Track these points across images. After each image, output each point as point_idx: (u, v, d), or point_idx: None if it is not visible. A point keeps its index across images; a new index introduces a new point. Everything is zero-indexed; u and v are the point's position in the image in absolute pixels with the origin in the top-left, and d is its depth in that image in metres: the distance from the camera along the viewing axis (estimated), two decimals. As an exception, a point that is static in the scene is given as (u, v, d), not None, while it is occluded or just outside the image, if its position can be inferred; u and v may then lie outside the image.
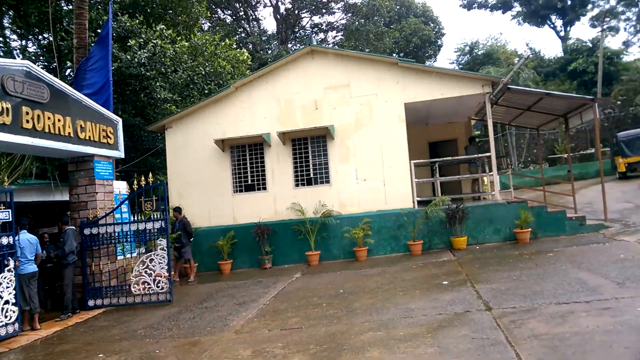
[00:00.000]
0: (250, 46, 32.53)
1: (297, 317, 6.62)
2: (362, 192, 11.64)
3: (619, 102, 31.56)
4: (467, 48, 43.68)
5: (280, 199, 11.99)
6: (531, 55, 36.81)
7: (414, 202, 11.45)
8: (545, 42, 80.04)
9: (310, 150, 12.00)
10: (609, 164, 22.63)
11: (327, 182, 11.87)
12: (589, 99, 10.84)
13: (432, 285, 7.60)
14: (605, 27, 36.27)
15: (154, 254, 8.80)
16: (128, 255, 9.48)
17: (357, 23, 33.26)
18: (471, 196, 13.57)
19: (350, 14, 34.59)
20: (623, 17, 41.47)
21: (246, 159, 12.35)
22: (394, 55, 33.07)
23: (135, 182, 9.36)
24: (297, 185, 12.04)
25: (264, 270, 11.38)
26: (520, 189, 17.78)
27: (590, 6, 40.59)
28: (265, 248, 11.58)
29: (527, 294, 6.24)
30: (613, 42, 50.98)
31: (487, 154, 11.61)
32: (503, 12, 44.45)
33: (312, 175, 12.00)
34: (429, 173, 14.30)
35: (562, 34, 41.75)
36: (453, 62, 44.70)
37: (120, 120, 10.23)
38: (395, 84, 11.62)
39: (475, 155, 12.56)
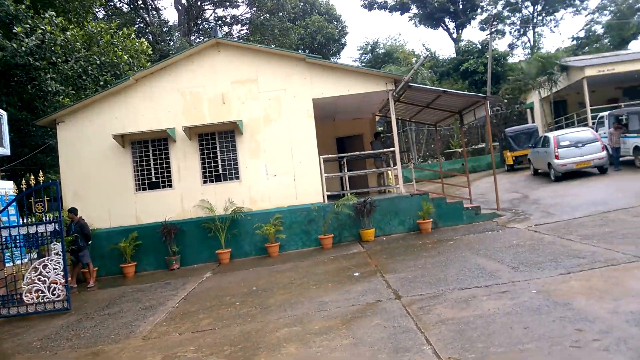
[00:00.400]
0: (150, 37, 30.97)
1: (209, 318, 6.41)
2: (272, 187, 11.57)
3: (505, 101, 34.45)
4: (369, 47, 45.28)
5: (188, 196, 11.56)
6: (429, 55, 38.98)
7: (324, 196, 11.61)
8: (440, 44, 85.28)
9: (218, 146, 11.69)
10: (498, 158, 24.64)
11: (237, 178, 11.65)
12: (481, 96, 11.69)
13: (343, 277, 7.74)
14: (493, 30, 39.36)
15: (47, 260, 8.04)
16: (18, 262, 8.60)
17: (262, 17, 33.02)
18: (377, 189, 14.07)
19: (254, 8, 34.23)
20: (508, 21, 45.40)
21: (149, 155, 11.74)
22: (300, 51, 33.30)
23: (24, 181, 8.48)
24: (205, 182, 11.67)
25: (172, 271, 10.91)
26: (421, 182, 18.76)
27: (479, 10, 43.82)
28: (172, 248, 11.10)
29: (433, 281, 6.58)
30: (500, 45, 55.44)
31: (392, 148, 12.09)
32: (401, 14, 46.50)
33: (220, 172, 11.70)
34: (337, 168, 14.60)
35: (454, 35, 44.59)
36: (356, 60, 46.12)
37: (4, 113, 9.23)
38: (303, 79, 11.67)
39: (381, 150, 13.01)
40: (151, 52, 19.34)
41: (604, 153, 15.32)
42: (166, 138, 11.60)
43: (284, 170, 11.57)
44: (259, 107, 11.67)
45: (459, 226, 11.15)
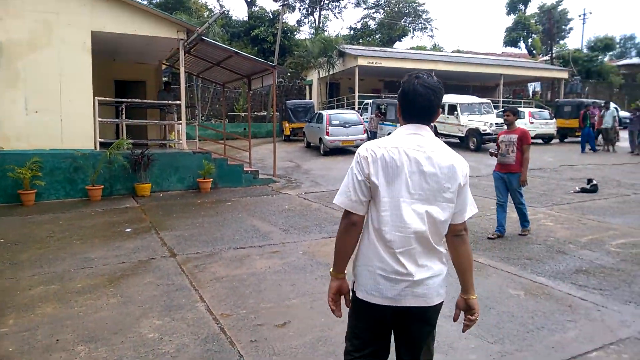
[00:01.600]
0: None
1: None
2: (32, 125, 9.91)
3: (288, 74, 36.29)
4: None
5: None
6: (225, 12, 38.20)
7: (95, 143, 10.49)
8: (234, 3, 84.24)
9: (-42, 66, 9.41)
10: (278, 127, 25.99)
11: (-17, 109, 9.62)
12: (271, 65, 12.10)
13: (114, 233, 7.20)
14: (285, 3, 40.72)
15: None
16: None
17: None
18: (158, 143, 13.37)
19: None
20: (299, -2, 47.47)
21: None
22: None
23: None
24: None
25: None
26: (204, 141, 18.54)
27: (276, -20, 44.66)
28: None
29: (209, 240, 6.65)
30: (290, 19, 57.90)
31: (177, 102, 11.58)
32: (200, -38, 44.28)
33: (-40, 99, 9.48)
34: (113, 113, 13.32)
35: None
36: (144, 0, 42.25)
37: None
38: (82, 6, 10.17)
39: (166, 102, 12.35)
40: None
41: (365, 135, 17.57)
42: None
43: (49, 108, 10.00)
44: (23, 28, 9.76)
45: (238, 188, 11.45)
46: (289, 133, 23.46)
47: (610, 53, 53.09)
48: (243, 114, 28.68)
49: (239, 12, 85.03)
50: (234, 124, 28.18)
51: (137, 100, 11.86)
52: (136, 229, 7.38)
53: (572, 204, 9.06)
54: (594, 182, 10.44)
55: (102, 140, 10.80)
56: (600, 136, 18.36)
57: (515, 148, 6.61)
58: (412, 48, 44.21)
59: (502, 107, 26.14)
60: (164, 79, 23.26)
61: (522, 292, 4.63)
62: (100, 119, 10.66)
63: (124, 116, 11.25)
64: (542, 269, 5.36)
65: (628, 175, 12.49)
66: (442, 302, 2.09)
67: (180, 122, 11.34)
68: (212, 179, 11.15)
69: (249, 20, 40.20)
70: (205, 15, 35.63)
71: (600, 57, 45.91)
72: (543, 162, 15.16)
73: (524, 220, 6.95)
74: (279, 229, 7.30)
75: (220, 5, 43.35)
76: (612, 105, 19.37)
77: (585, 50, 47.24)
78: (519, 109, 24.34)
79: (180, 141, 11.43)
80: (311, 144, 19.62)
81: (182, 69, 11.28)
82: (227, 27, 38.92)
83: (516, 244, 6.39)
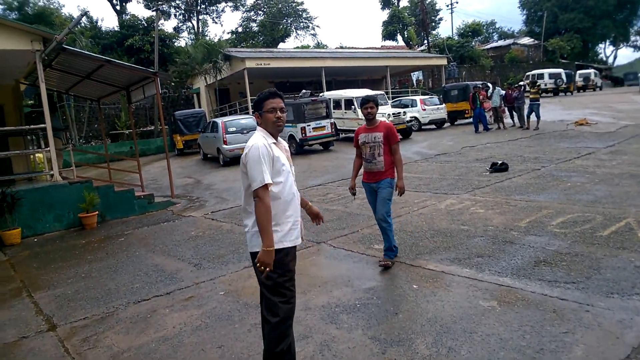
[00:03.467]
0: None
1: None
2: None
3: (173, 84, 34.03)
4: (16, 3, 37.35)
5: None
6: (88, 12, 34.80)
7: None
8: (103, 13, 78.36)
9: None
10: (169, 141, 24.01)
11: None
12: (151, 72, 10.61)
13: (-32, 305, 5.48)
14: (159, 9, 38.21)
15: None
16: None
17: None
18: (25, 177, 11.24)
19: None
20: (174, 3, 45.08)
21: None
22: None
23: None
24: None
25: None
26: (83, 167, 16.30)
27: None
28: None
29: (101, 295, 5.25)
30: (167, 26, 54.81)
31: (41, 125, 9.69)
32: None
33: None
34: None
35: (118, 8, 41.45)
36: (-7, 16, 37.27)
37: None
38: None
39: (23, 127, 10.33)
40: None
41: (266, 139, 16.56)
42: None
43: None
44: None
45: (131, 218, 9.88)
46: (182, 146, 21.68)
47: (478, 38, 57.26)
48: (127, 131, 26.16)
49: (109, 22, 79.17)
50: (117, 143, 25.62)
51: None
52: (2, 294, 5.71)
53: (491, 185, 8.85)
54: (501, 162, 10.47)
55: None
56: (488, 115, 19.10)
57: (382, 150, 5.11)
58: (297, 48, 43.95)
59: (392, 99, 26.60)
60: (29, 101, 20.35)
61: (495, 303, 3.96)
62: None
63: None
64: (500, 266, 4.78)
65: (527, 149, 12.83)
66: (255, 252, 2.80)
67: (49, 148, 9.47)
68: (97, 212, 9.46)
69: (121, 30, 37.13)
70: (79, 32, 32.14)
71: (470, 43, 49.20)
72: (444, 147, 15.28)
73: (388, 247, 5.21)
74: (188, 264, 6.07)
75: (85, 14, 39.50)
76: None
77: (456, 38, 50.33)
78: (408, 97, 24.99)
79: (51, 172, 9.54)
80: (208, 156, 18.18)
81: (42, 86, 9.39)
82: (96, 38, 35.60)
83: (457, 240, 5.81)
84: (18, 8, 37.04)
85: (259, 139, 2.82)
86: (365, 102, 5.16)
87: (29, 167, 12.35)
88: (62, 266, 6.69)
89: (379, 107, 19.02)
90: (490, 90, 18.96)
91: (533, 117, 17.19)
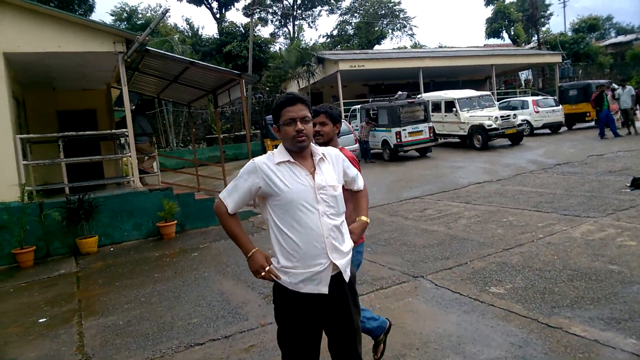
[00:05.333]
0: None
1: None
2: None
3: (267, 88, 34.21)
4: (125, 14, 39.96)
5: None
6: (170, 10, 35.95)
7: (23, 192, 8.23)
8: (203, 21, 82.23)
9: None
10: (259, 146, 23.80)
11: None
12: (236, 73, 9.91)
13: (23, 327, 4.93)
14: (256, 16, 38.83)
15: None
16: None
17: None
18: (114, 182, 11.14)
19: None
20: (271, 10, 45.75)
21: None
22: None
23: None
24: None
25: None
26: (179, 172, 16.31)
27: (244, -6, 42.93)
28: None
29: (152, 331, 4.42)
30: (264, 32, 56.04)
31: (123, 130, 9.37)
32: (164, -16, 42.48)
33: None
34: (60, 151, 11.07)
35: (218, 16, 42.79)
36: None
37: None
38: (-15, 22, 8.00)
39: (104, 132, 10.12)
40: None
41: (357, 145, 15.46)
42: None
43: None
44: None
45: (211, 228, 9.23)
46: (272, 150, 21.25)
47: (594, 34, 51.70)
48: (222, 135, 26.43)
49: (209, 30, 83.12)
50: (212, 147, 25.95)
51: (71, 133, 9.38)
52: (54, 317, 5.12)
53: (637, 207, 6.94)
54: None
55: (39, 187, 8.62)
56: (616, 118, 16.37)
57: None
58: (394, 49, 42.44)
59: (498, 100, 24.22)
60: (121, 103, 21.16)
61: None
62: (27, 162, 8.45)
63: (62, 154, 9.00)
64: (692, 342, 3.21)
65: (675, 160, 10.45)
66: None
67: (130, 153, 9.10)
68: (176, 221, 8.92)
69: (220, 37, 38.17)
70: (176, 38, 33.52)
71: (586, 39, 44.42)
72: (565, 155, 13.11)
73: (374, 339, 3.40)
74: (258, 295, 5.09)
75: (189, 25, 41.23)
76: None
77: (569, 34, 45.72)
78: (518, 98, 22.47)
79: (132, 178, 9.17)
80: (298, 161, 17.46)
81: (124, 89, 9.05)
82: (197, 46, 36.88)
83: (608, 287, 4.23)
84: (127, 18, 39.46)
85: (263, 156, 2.35)
86: (315, 114, 3.03)
87: (119, 172, 12.32)
88: (126, 284, 6.05)
89: (486, 109, 17.20)
90: (618, 90, 16.24)
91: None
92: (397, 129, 15.19)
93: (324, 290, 2.24)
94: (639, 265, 4.67)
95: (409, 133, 15.30)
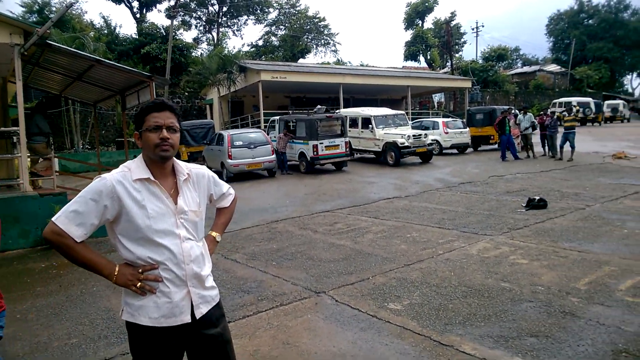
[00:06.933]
0: None
1: None
2: None
3: (186, 94, 33.23)
4: (37, 6, 37.12)
5: None
6: (75, 3, 33.88)
7: None
8: (122, 20, 78.72)
9: None
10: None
11: None
12: (146, 75, 9.44)
13: None
14: (179, 19, 37.75)
15: None
16: None
17: None
18: (4, 184, 10.10)
19: None
20: (195, 15, 44.70)
21: None
22: None
23: None
24: None
25: None
26: (81, 177, 15.20)
27: (166, -4, 41.63)
28: None
29: (23, 353, 3.96)
30: (187, 36, 54.52)
31: (14, 128, 8.55)
32: (79, -24, 40.00)
33: None
34: None
35: (138, 15, 41.12)
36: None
37: None
38: None
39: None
40: None
41: (274, 156, 15.35)
42: None
43: None
44: None
45: (107, 237, 8.57)
46: (187, 158, 20.44)
47: (502, 64, 55.86)
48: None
49: (128, 29, 79.61)
50: (122, 151, 24.58)
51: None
52: None
53: (530, 226, 7.42)
54: (538, 197, 9.06)
55: None
56: (517, 142, 17.64)
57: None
58: (317, 64, 43.04)
59: (412, 119, 25.26)
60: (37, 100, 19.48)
61: None
62: None
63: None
64: (564, 356, 3.38)
65: (564, 183, 11.37)
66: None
67: (20, 154, 8.29)
68: (69, 230, 8.21)
69: (139, 37, 36.62)
70: (91, 35, 31.54)
71: (494, 67, 47.87)
72: (469, 175, 13.85)
73: None
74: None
75: (106, 22, 39.06)
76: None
77: (480, 62, 49.05)
78: (429, 119, 23.57)
79: (21, 181, 8.35)
80: (212, 170, 16.90)
81: (18, 84, 8.26)
82: (113, 44, 35.06)
83: (499, 304, 4.41)
84: (38, 11, 36.73)
85: (114, 172, 2.03)
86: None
87: (11, 174, 11.23)
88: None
89: (400, 128, 17.88)
90: (520, 116, 17.54)
91: (567, 146, 15.72)
92: (315, 142, 15.27)
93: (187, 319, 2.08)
94: (528, 283, 4.93)
95: (325, 147, 15.43)
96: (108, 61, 9.67)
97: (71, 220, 1.93)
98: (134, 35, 37.74)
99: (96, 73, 10.01)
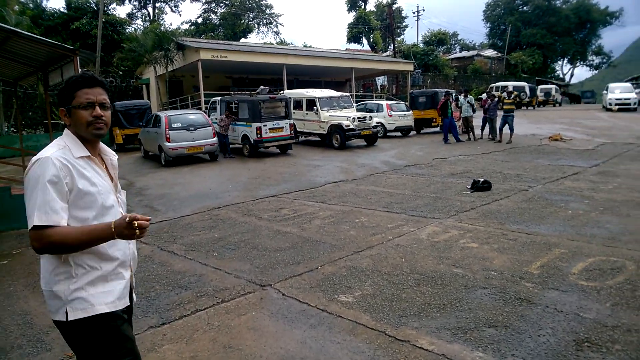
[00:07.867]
0: None
1: None
2: None
3: (120, 72, 31.42)
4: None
5: None
6: None
7: None
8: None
9: None
10: (108, 135, 21.59)
11: None
12: (68, 48, 8.52)
13: None
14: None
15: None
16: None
17: None
18: None
19: None
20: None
21: None
22: None
23: None
24: None
25: None
26: (4, 163, 13.91)
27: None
28: None
29: None
30: (120, 11, 51.56)
31: None
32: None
33: None
34: None
35: (66, -13, 38.26)
36: None
37: None
38: None
39: None
40: None
41: (215, 139, 14.68)
42: None
43: None
44: None
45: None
46: (121, 141, 19.30)
47: (441, 48, 56.99)
48: (63, 122, 23.46)
49: (56, 2, 74.53)
50: (56, 133, 22.88)
51: None
52: None
53: (477, 208, 7.39)
54: (482, 179, 9.10)
55: None
56: (458, 125, 17.91)
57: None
58: (259, 44, 42.00)
59: (356, 102, 25.15)
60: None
61: None
62: None
63: None
64: (526, 348, 3.22)
65: (505, 165, 11.56)
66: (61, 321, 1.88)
67: None
68: (-17, 222, 7.38)
69: (68, 12, 34.16)
70: (16, 9, 28.88)
71: (435, 51, 48.72)
72: (414, 157, 13.86)
73: None
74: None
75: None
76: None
77: (421, 45, 49.74)
78: (374, 102, 23.53)
79: None
80: (150, 153, 16.07)
81: None
82: (39, 19, 32.46)
83: (453, 292, 4.24)
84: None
85: (53, 150, 1.88)
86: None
87: None
88: None
89: (345, 110, 17.72)
90: (461, 99, 17.77)
91: (506, 129, 16.10)
92: (258, 124, 14.73)
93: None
94: (481, 268, 4.80)
95: (269, 129, 14.93)
96: (26, 33, 8.65)
97: (47, 212, 1.77)
98: (62, 10, 35.17)
99: (13, 46, 8.98)
